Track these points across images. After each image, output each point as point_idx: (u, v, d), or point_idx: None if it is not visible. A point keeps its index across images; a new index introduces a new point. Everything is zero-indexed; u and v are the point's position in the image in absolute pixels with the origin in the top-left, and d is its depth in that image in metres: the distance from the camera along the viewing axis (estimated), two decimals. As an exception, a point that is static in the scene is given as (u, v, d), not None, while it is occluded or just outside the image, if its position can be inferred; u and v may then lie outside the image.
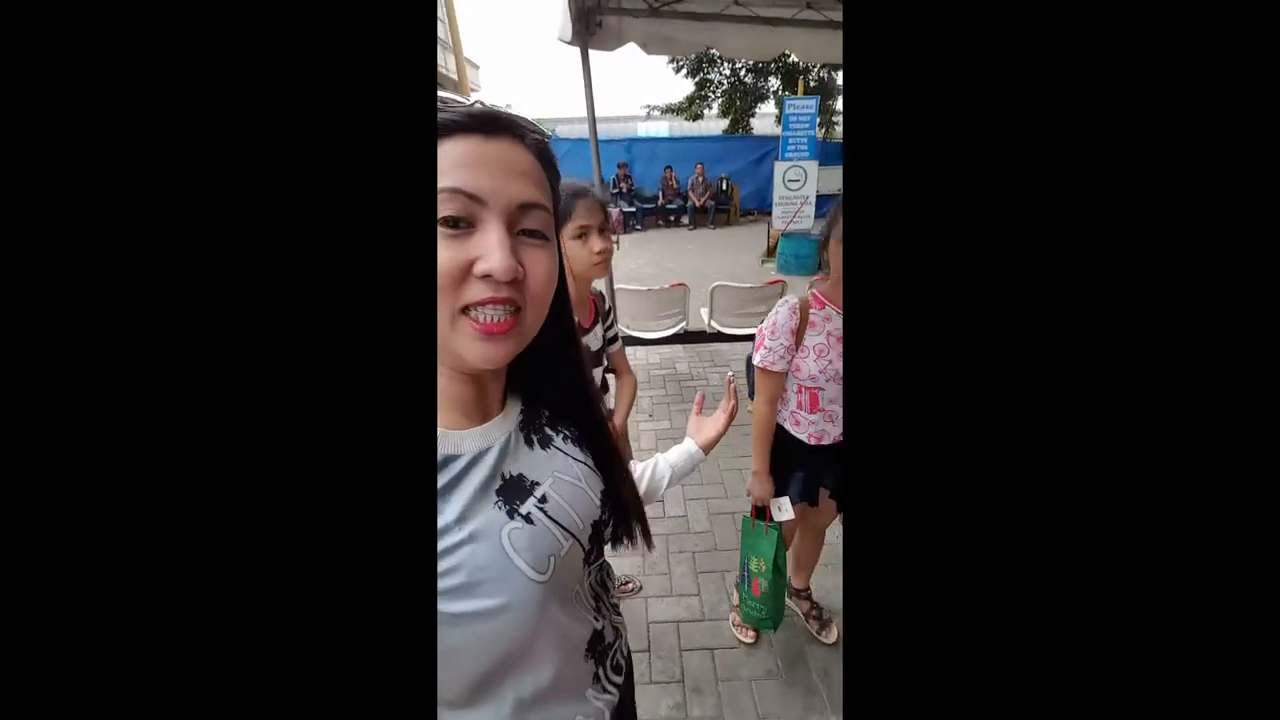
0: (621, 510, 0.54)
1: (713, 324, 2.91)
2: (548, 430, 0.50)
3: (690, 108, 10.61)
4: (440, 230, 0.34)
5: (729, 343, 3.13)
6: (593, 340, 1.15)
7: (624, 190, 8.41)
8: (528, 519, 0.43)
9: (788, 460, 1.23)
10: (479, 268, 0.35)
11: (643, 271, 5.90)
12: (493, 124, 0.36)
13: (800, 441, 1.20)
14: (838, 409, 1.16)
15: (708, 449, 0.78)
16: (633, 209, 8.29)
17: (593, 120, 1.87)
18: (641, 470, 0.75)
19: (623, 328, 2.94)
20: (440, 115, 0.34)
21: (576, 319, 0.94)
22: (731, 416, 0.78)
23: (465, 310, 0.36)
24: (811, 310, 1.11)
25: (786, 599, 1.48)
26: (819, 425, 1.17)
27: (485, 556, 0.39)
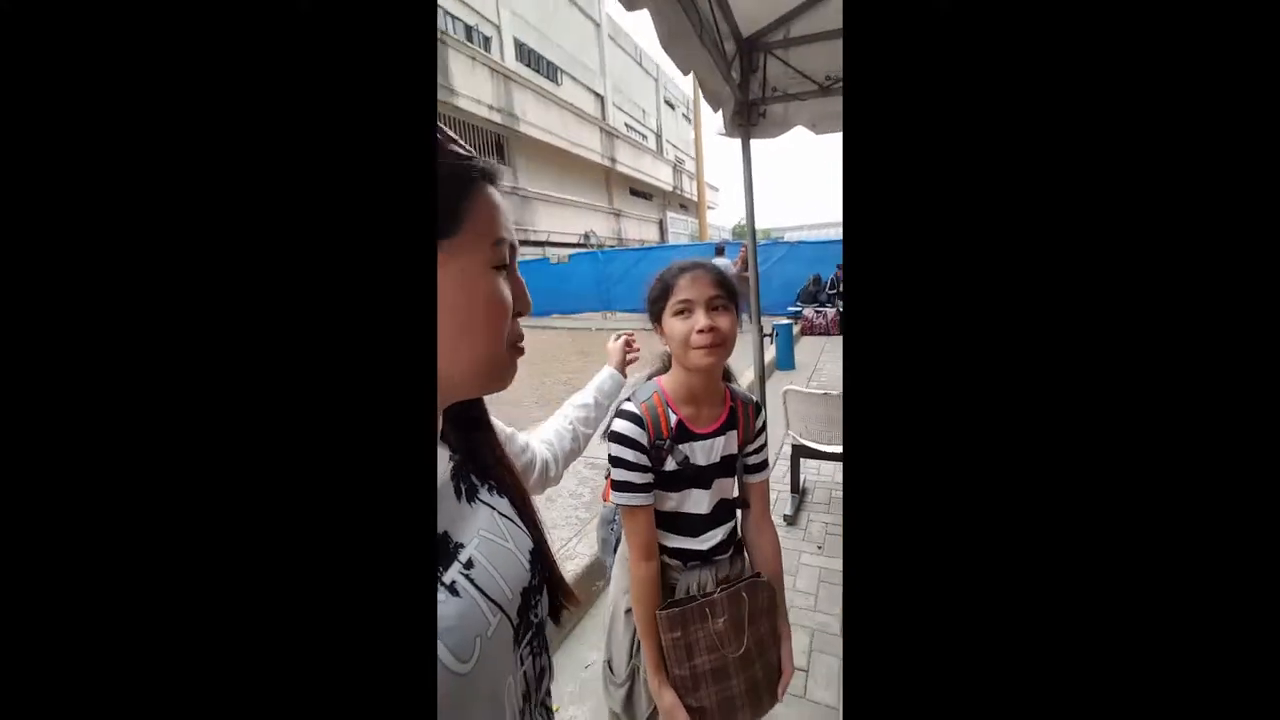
0: (552, 578, 0.47)
1: (911, 443, 2.28)
2: (474, 479, 0.43)
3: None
4: (496, 274, 0.37)
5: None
6: (704, 451, 0.85)
7: (841, 290, 7.93)
8: (452, 590, 0.35)
9: None
10: (519, 305, 0.39)
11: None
12: (498, 173, 0.39)
13: None
14: None
15: (623, 369, 0.87)
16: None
17: (750, 209, 1.75)
18: (565, 423, 0.83)
19: (795, 435, 2.53)
20: (472, 163, 0.37)
21: (690, 423, 0.89)
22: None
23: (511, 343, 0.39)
24: None
25: None
26: None
27: None
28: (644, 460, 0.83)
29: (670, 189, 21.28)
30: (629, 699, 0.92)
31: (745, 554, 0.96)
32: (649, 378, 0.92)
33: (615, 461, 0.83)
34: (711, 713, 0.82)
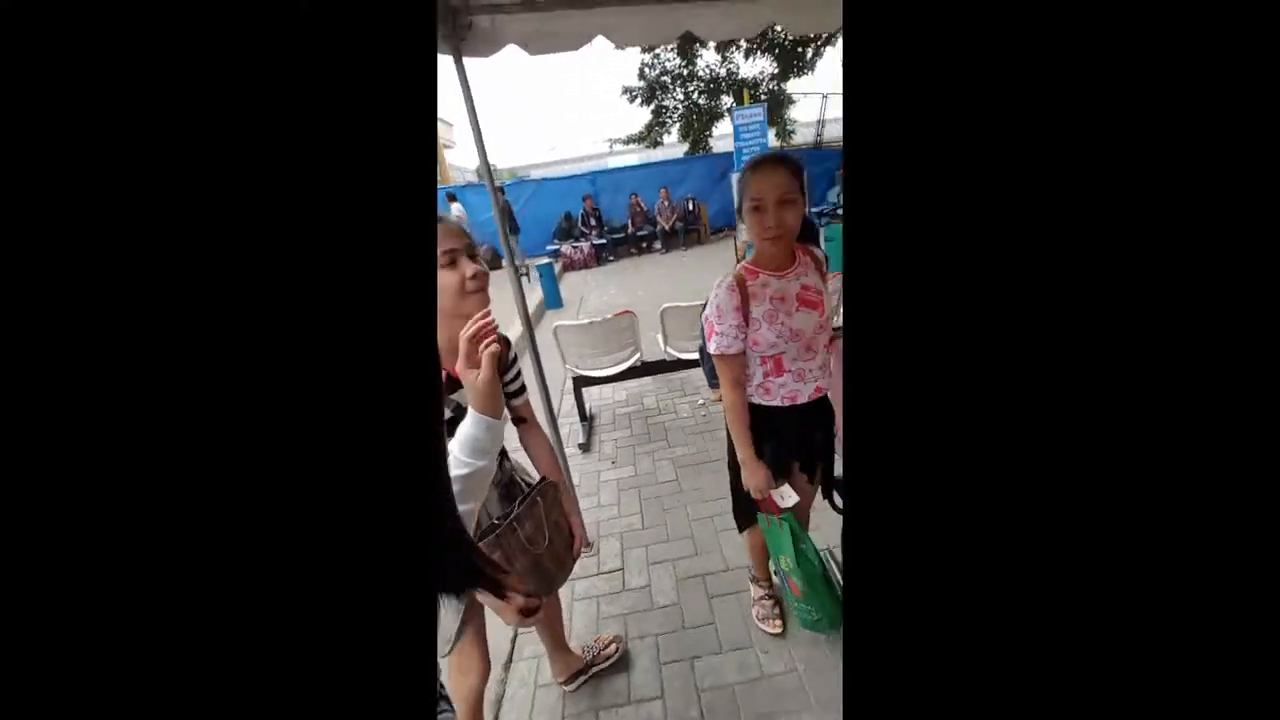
0: None
1: (669, 350, 2.60)
2: None
3: (650, 135, 10.63)
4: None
5: (696, 368, 2.79)
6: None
7: (593, 223, 8.27)
8: None
9: (756, 437, 1.16)
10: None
11: (615, 302, 5.65)
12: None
13: (771, 410, 1.16)
14: (804, 366, 1.13)
15: (482, 408, 0.64)
16: (603, 241, 8.13)
17: (479, 136, 1.61)
18: None
19: (573, 368, 2.63)
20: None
21: (454, 373, 0.79)
22: (471, 353, 0.64)
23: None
24: (749, 283, 1.08)
25: (778, 582, 1.37)
26: (789, 385, 1.14)
27: None
28: None
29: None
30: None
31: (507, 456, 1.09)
32: None
33: None
34: (534, 593, 0.99)
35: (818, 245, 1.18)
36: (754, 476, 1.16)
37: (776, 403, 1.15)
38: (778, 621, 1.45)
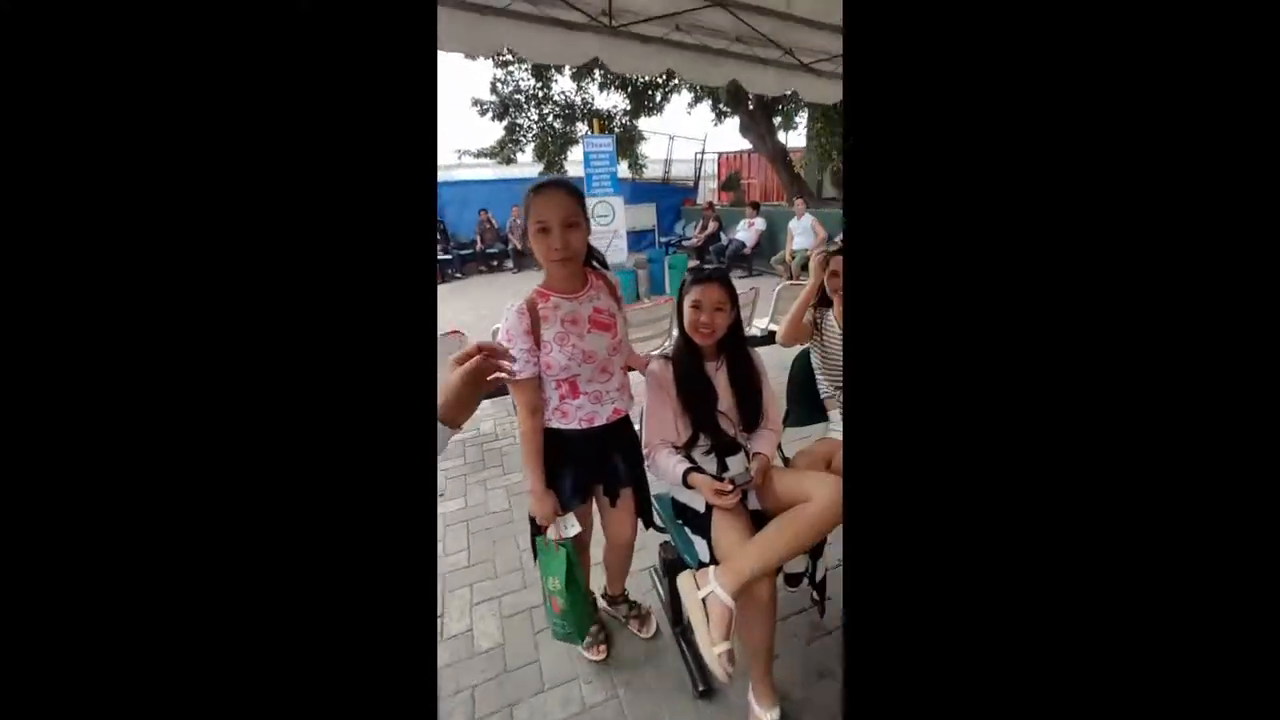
0: None
1: (504, 372, 2.49)
2: None
3: (503, 151, 10.40)
4: None
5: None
6: None
7: (436, 238, 7.73)
8: None
9: (555, 463, 1.15)
10: None
11: (459, 320, 5.31)
12: None
13: (569, 433, 1.14)
14: (600, 388, 1.13)
15: (447, 418, 0.63)
16: (448, 256, 7.65)
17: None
18: None
19: (395, 391, 2.37)
20: None
21: None
22: (469, 353, 0.64)
23: None
24: (540, 306, 1.06)
25: (604, 606, 1.51)
26: (586, 407, 1.13)
27: None
28: None
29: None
30: None
31: None
32: None
33: None
34: None
35: (607, 269, 1.20)
36: (540, 505, 1.15)
37: (574, 425, 1.14)
38: (602, 647, 1.43)
